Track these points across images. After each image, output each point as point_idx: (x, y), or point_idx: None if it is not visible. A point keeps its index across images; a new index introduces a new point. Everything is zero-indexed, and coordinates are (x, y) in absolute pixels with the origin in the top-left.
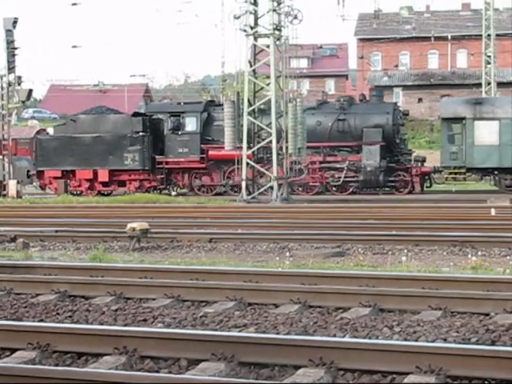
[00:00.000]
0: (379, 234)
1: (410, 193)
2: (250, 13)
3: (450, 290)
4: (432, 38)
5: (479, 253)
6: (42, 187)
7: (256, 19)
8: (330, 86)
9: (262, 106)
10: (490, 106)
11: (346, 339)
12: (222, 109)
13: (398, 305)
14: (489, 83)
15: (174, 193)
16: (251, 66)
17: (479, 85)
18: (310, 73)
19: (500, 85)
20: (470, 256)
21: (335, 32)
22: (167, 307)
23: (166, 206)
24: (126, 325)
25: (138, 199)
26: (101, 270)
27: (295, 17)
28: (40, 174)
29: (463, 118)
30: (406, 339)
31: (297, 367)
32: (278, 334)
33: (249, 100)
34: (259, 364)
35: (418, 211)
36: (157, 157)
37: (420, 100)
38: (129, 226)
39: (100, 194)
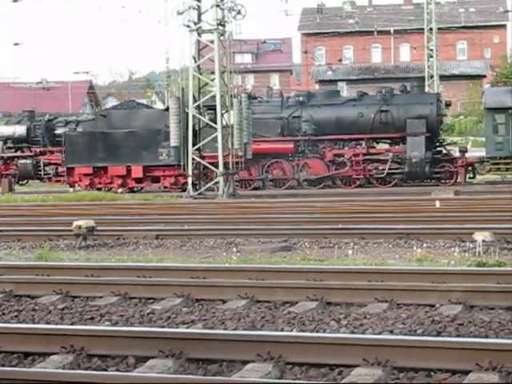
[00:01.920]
0: (326, 228)
1: (454, 184)
2: (194, 8)
3: (395, 283)
4: (375, 32)
5: (424, 245)
6: (71, 185)
7: (199, 15)
8: (275, 80)
9: (301, 98)
10: None
11: (294, 333)
12: (260, 101)
13: (345, 298)
14: (431, 76)
15: (120, 190)
16: (195, 61)
17: (422, 78)
18: (254, 68)
19: (442, 78)
20: (415, 248)
21: (279, 27)
22: (114, 305)
23: (113, 203)
24: (72, 323)
25: (84, 197)
26: (47, 268)
27: (239, 12)
28: (70, 171)
29: (509, 108)
30: (352, 332)
31: (245, 362)
32: (225, 329)
33: (194, 96)
34: (207, 360)
35: (363, 204)
36: (193, 151)
37: (365, 94)
38: (75, 223)
39: (131, 190)
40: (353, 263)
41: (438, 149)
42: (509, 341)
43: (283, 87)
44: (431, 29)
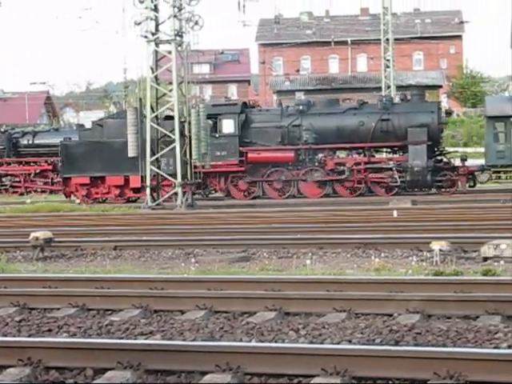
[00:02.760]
0: (284, 238)
1: (454, 193)
2: (151, 19)
3: (354, 292)
4: (332, 43)
5: (382, 254)
6: (67, 195)
7: (157, 25)
8: (233, 91)
9: (301, 107)
10: None
11: (252, 344)
12: (260, 110)
13: (304, 308)
14: (388, 87)
15: (77, 201)
16: (153, 72)
17: (379, 88)
18: (212, 78)
19: (399, 88)
20: (373, 258)
21: (236, 37)
22: (72, 316)
23: (70, 214)
24: (30, 336)
25: (41, 208)
26: (3, 280)
27: (196, 23)
28: (66, 182)
29: (510, 116)
30: (311, 342)
31: (204, 373)
32: (184, 340)
33: (152, 106)
34: (166, 371)
35: (321, 214)
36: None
37: None
38: (32, 235)
39: (128, 201)
40: (311, 273)
41: (439, 157)
42: (466, 349)
43: (241, 98)
44: (388, 39)
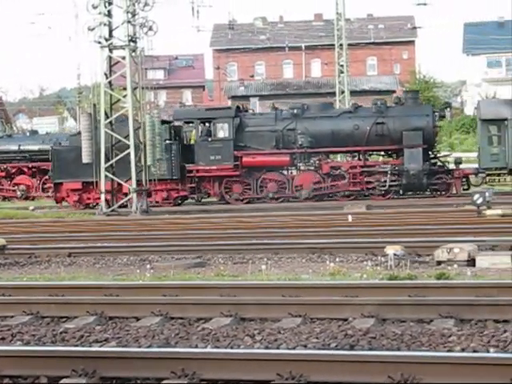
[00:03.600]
0: (239, 244)
1: (450, 196)
2: (105, 24)
3: (309, 297)
4: (286, 48)
5: (337, 259)
6: (58, 201)
7: (111, 31)
8: (187, 96)
9: (295, 111)
10: None
11: (208, 350)
12: (254, 114)
13: (259, 313)
14: (342, 92)
15: (31, 207)
16: (107, 77)
17: (333, 93)
18: (166, 84)
19: (353, 93)
20: (328, 262)
21: (191, 43)
22: (26, 324)
23: (24, 221)
24: None
25: None
26: None
27: (150, 28)
28: (57, 187)
29: (505, 119)
30: (267, 347)
31: (159, 379)
32: (139, 347)
33: (106, 112)
34: (121, 378)
35: (277, 219)
36: (187, 165)
37: (276, 109)
38: None
39: (121, 206)
40: (266, 278)
41: (433, 160)
42: (420, 353)
43: (196, 103)
44: (341, 45)
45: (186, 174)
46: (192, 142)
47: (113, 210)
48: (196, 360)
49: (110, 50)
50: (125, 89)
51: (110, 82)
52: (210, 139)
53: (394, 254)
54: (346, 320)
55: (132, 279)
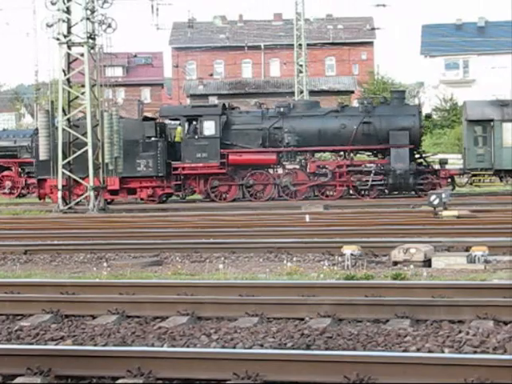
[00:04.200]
0: (197, 242)
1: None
2: (63, 21)
3: (266, 297)
4: (246, 48)
5: (294, 259)
6: (41, 197)
7: (69, 28)
8: (146, 94)
9: (281, 109)
10: None
11: (164, 348)
12: (240, 112)
13: (216, 312)
14: (301, 92)
15: None
16: (65, 74)
17: (292, 93)
18: (125, 81)
19: (312, 93)
20: (285, 262)
21: (150, 41)
22: None
23: None
24: None
25: None
26: None
27: (109, 25)
28: (41, 183)
29: (491, 120)
30: (223, 346)
31: (115, 378)
32: (95, 345)
33: (64, 109)
34: (77, 377)
35: (234, 219)
36: (173, 162)
37: (234, 108)
38: None
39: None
40: (224, 277)
41: (419, 160)
42: (376, 353)
43: (154, 101)
44: (301, 45)
45: (172, 172)
46: (177, 139)
47: (70, 208)
48: (152, 359)
49: (69, 47)
50: (83, 86)
51: (68, 79)
52: (196, 137)
53: (351, 254)
54: (302, 319)
55: (88, 277)
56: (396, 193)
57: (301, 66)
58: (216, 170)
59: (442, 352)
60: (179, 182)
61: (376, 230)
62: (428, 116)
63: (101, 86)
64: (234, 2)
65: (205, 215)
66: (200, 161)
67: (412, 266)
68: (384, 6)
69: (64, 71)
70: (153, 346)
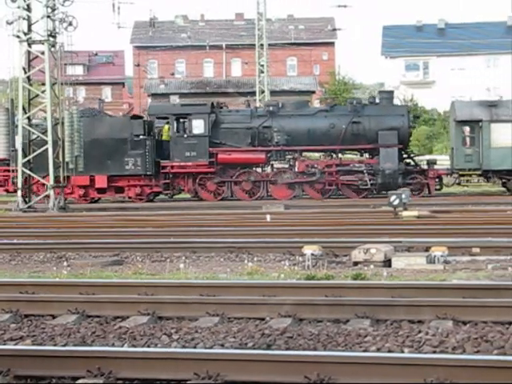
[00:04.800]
0: (157, 242)
1: (423, 196)
2: (24, 18)
3: (227, 296)
4: (207, 47)
5: (255, 258)
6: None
7: (30, 25)
8: (107, 93)
9: (271, 108)
10: (506, 108)
11: (125, 348)
12: (230, 111)
13: (177, 312)
14: (263, 91)
15: None
16: (26, 72)
17: (253, 93)
18: (86, 80)
19: (273, 93)
20: (246, 262)
21: (111, 39)
22: None
23: None
24: None
25: None
26: None
27: (70, 23)
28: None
29: (479, 121)
30: (184, 346)
31: (75, 378)
32: (55, 345)
33: (24, 107)
34: (36, 377)
35: (194, 218)
36: (162, 161)
37: None
38: None
39: (92, 201)
40: (184, 277)
41: (407, 160)
42: (336, 353)
43: (115, 100)
44: (262, 45)
45: (161, 170)
46: (164, 137)
47: (29, 207)
48: (112, 359)
49: (29, 45)
50: (43, 84)
51: (28, 77)
52: (185, 135)
53: (312, 254)
54: (263, 319)
55: (48, 276)
56: (384, 192)
57: (262, 66)
58: (205, 169)
59: (402, 352)
60: (168, 181)
61: (336, 230)
62: (416, 116)
63: (61, 84)
64: (195, 2)
65: (165, 215)
66: (189, 159)
67: (372, 266)
68: (345, 6)
69: (24, 69)
70: (113, 345)
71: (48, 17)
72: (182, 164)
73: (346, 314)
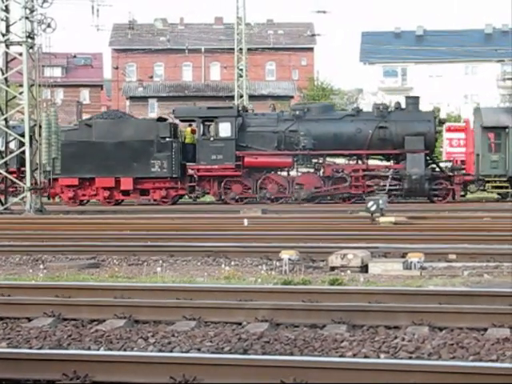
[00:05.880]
0: (134, 245)
1: (448, 202)
2: (2, 20)
3: (203, 300)
4: (186, 51)
5: (232, 263)
6: (52, 196)
7: (8, 26)
8: (85, 95)
9: (297, 112)
10: None
11: (101, 352)
12: (256, 114)
13: (153, 316)
14: (241, 96)
15: None
16: (3, 73)
17: (232, 97)
18: (64, 82)
19: (252, 97)
20: (223, 266)
21: (90, 42)
22: None
23: None
24: None
25: None
26: None
27: (48, 25)
28: (52, 183)
29: (506, 127)
30: (160, 350)
31: (51, 382)
32: (30, 348)
33: (1, 109)
34: (11, 380)
35: (173, 222)
36: (188, 164)
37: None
38: None
39: (116, 203)
40: (161, 281)
41: (432, 166)
42: (313, 358)
43: (93, 102)
44: (241, 49)
45: (186, 173)
46: (186, 140)
47: (6, 208)
48: (88, 362)
49: (7, 46)
50: (21, 86)
51: (5, 79)
52: (211, 138)
53: (289, 259)
54: (240, 324)
55: (24, 279)
56: (408, 198)
57: (241, 70)
58: (231, 173)
59: (378, 357)
60: (193, 184)
61: (314, 235)
62: (442, 122)
63: (39, 86)
64: (175, 5)
65: (143, 218)
66: (215, 162)
67: (349, 272)
68: (324, 12)
69: (2, 70)
70: (89, 349)
71: (26, 18)
72: (208, 167)
73: (322, 319)
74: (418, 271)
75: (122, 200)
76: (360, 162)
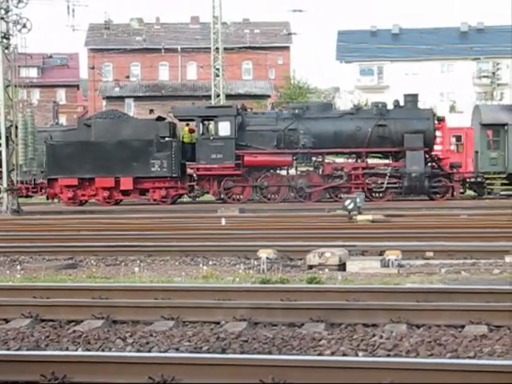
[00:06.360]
0: (112, 245)
1: (448, 199)
2: None
3: (182, 300)
4: (162, 50)
5: (210, 262)
6: (51, 197)
7: None
8: (61, 95)
9: (296, 111)
10: None
11: (79, 352)
12: (255, 113)
13: (131, 316)
14: (218, 95)
15: None
16: None
17: (209, 97)
18: (40, 82)
19: (228, 97)
20: (201, 265)
21: (66, 42)
22: None
23: None
24: None
25: None
26: None
27: (24, 25)
28: (51, 183)
29: (505, 124)
30: (138, 350)
31: (29, 383)
32: (8, 349)
33: None
34: None
35: (150, 222)
36: (187, 163)
37: (152, 111)
38: None
39: (116, 203)
40: (139, 281)
41: (431, 163)
42: (291, 357)
43: (70, 102)
44: (217, 48)
45: (186, 172)
46: (184, 139)
47: None
48: (66, 363)
49: None
50: None
51: None
52: (211, 137)
53: (267, 258)
54: (218, 323)
55: (1, 280)
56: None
57: (217, 69)
58: (231, 172)
59: (356, 355)
60: (193, 183)
61: (291, 233)
62: (441, 120)
63: (15, 86)
64: (150, 5)
65: (120, 218)
66: (215, 162)
67: (327, 270)
68: (300, 11)
69: None
70: (67, 350)
71: (1, 18)
72: (207, 166)
73: (300, 318)
74: (396, 269)
75: (121, 200)
76: (359, 160)
